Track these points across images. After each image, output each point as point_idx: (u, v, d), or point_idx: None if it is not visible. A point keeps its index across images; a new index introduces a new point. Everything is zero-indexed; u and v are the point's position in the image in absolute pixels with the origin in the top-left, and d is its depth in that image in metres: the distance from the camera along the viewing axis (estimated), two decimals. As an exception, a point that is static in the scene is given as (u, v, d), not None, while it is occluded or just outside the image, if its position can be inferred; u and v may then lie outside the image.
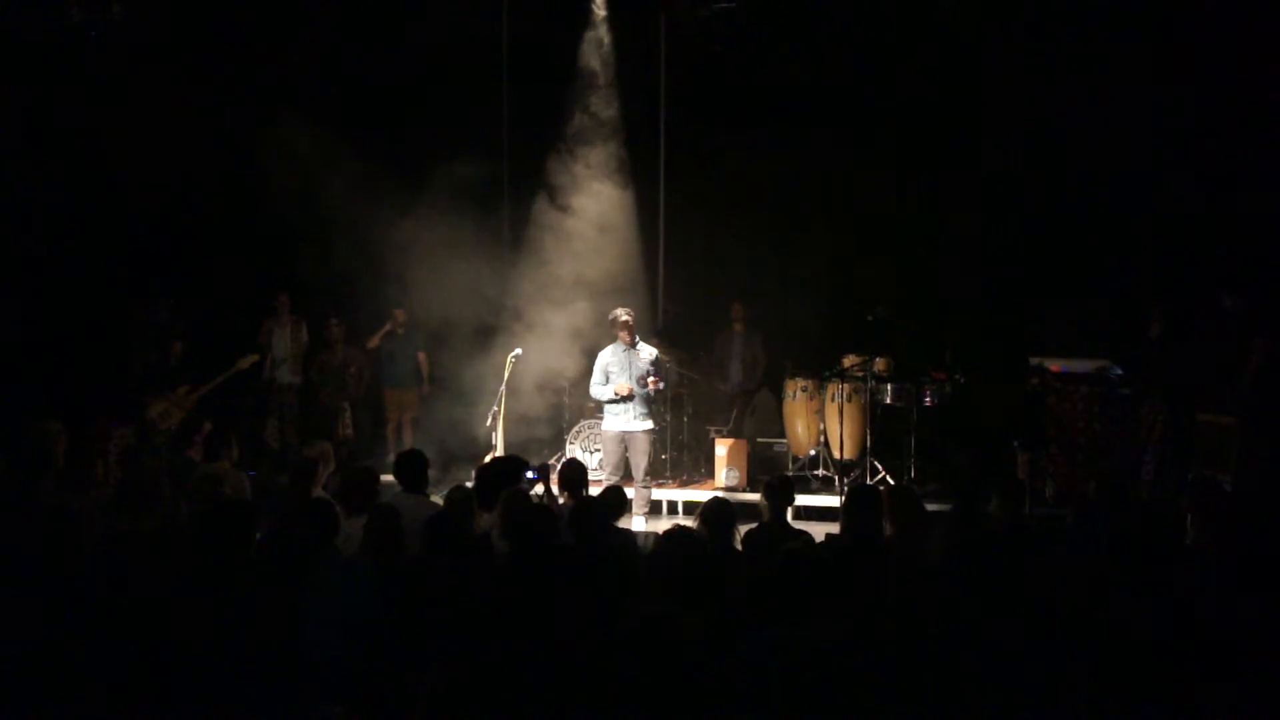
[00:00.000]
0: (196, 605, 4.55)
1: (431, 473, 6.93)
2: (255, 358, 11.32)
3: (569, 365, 10.60)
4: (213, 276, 11.91)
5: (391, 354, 12.04)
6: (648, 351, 9.41)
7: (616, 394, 9.27)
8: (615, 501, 6.70)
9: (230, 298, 11.94)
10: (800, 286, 11.64)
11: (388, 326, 11.95)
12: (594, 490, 7.33)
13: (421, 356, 12.08)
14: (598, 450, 10.10)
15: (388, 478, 7.05)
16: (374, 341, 11.99)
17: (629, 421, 9.30)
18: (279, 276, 11.94)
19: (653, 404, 9.44)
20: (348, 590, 4.89)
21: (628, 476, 9.40)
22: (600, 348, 9.59)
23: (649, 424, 9.37)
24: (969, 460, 9.95)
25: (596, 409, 9.87)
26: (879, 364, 10.46)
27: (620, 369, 9.32)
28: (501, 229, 11.87)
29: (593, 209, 10.82)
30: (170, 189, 11.57)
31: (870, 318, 10.26)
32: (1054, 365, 9.92)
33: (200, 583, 4.84)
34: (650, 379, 9.26)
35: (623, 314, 9.33)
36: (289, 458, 10.63)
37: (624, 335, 9.33)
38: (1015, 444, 9.82)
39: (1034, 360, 10.01)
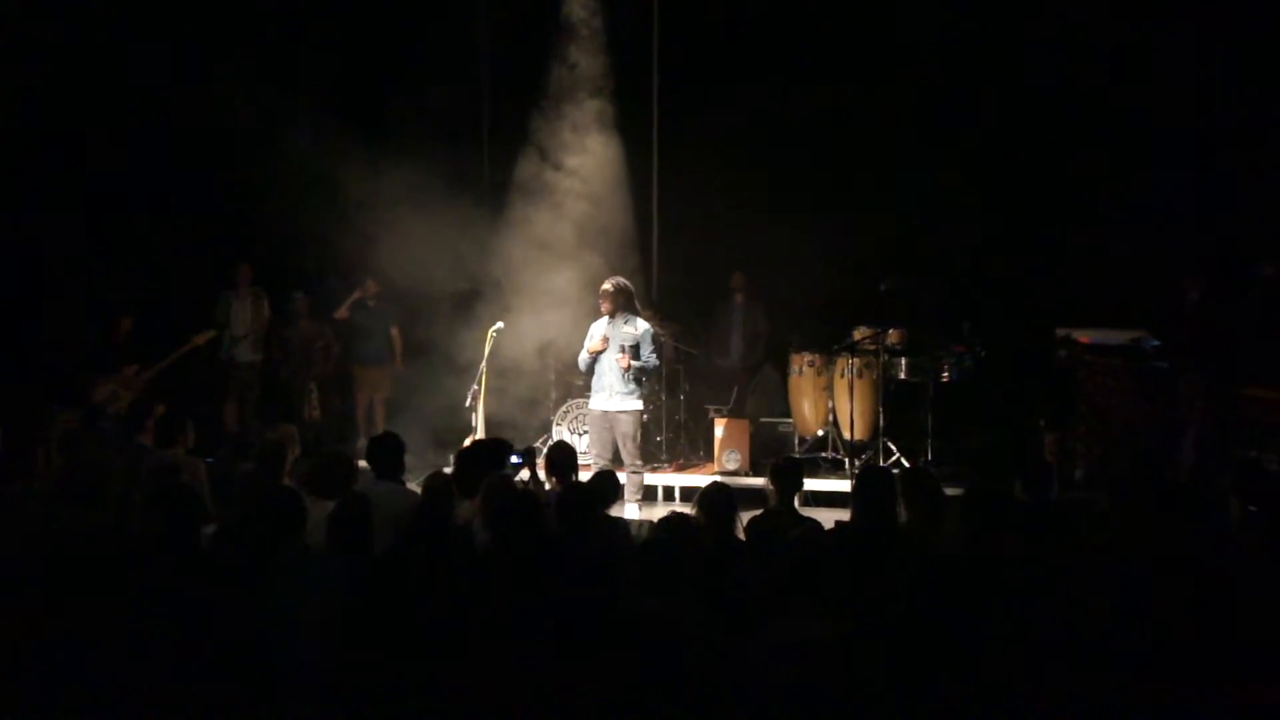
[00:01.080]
0: (150, 604, 4.54)
1: (408, 458, 6.93)
2: (212, 334, 11.30)
3: (555, 339, 10.60)
4: (164, 244, 11.86)
5: (362, 328, 12.03)
6: (635, 325, 9.40)
7: (589, 353, 9.30)
8: (606, 488, 6.70)
9: (184, 267, 11.90)
10: (806, 253, 11.58)
11: (356, 294, 11.93)
12: (584, 475, 7.33)
13: (395, 331, 12.07)
14: (587, 432, 10.11)
15: (360, 464, 7.04)
16: (342, 312, 11.97)
17: (609, 400, 9.33)
18: (238, 245, 11.90)
19: (640, 382, 9.42)
20: (315, 587, 4.89)
21: (620, 460, 9.42)
22: (591, 318, 9.59)
23: (633, 403, 9.36)
24: (990, 440, 9.95)
25: (586, 387, 9.88)
26: (892, 336, 10.46)
27: (604, 341, 9.34)
28: (482, 191, 11.84)
29: (580, 169, 10.78)
30: (116, 147, 11.51)
31: (882, 286, 10.25)
32: (1083, 336, 9.92)
33: (154, 580, 4.83)
34: (619, 357, 9.24)
35: (606, 284, 9.34)
36: (250, 442, 10.62)
37: (605, 305, 9.34)
38: (1041, 423, 9.84)
39: (1061, 331, 10.02)
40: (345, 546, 5.23)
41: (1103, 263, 10.63)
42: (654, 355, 9.47)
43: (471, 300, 10.79)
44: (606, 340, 9.29)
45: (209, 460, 8.46)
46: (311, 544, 5.38)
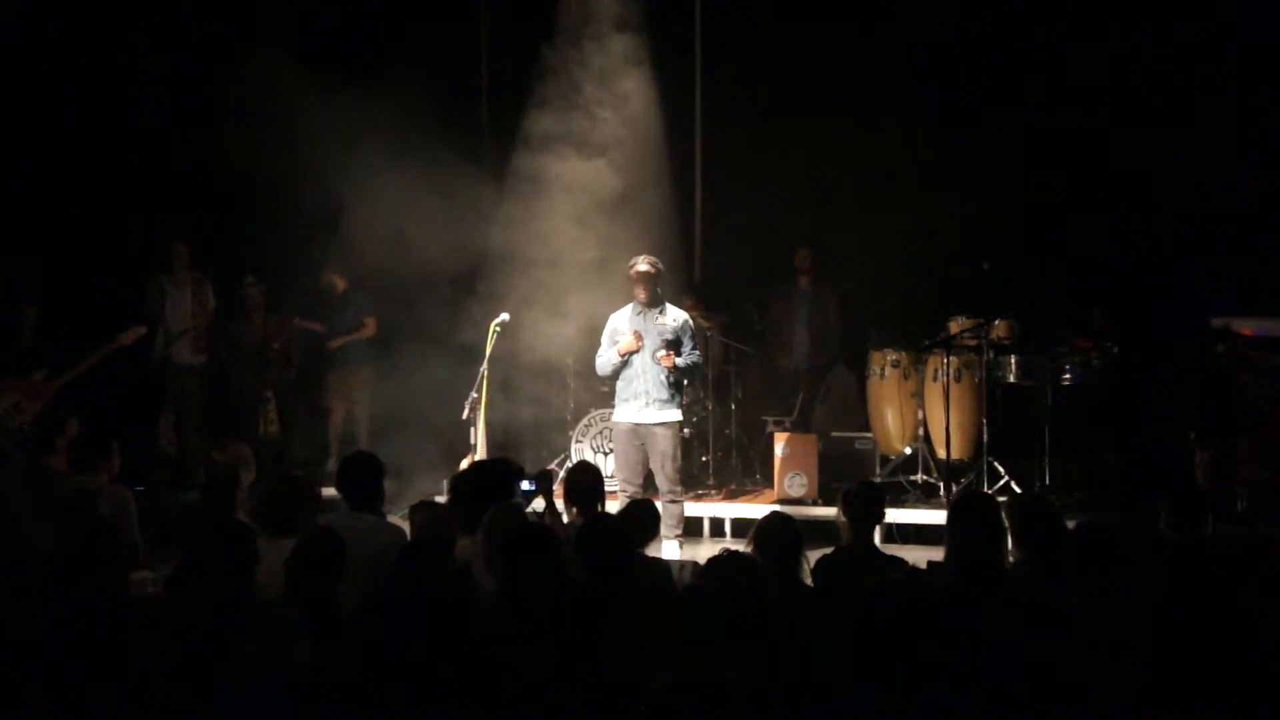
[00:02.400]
0: (63, 665, 4.55)
1: (388, 483, 6.94)
2: (142, 330, 11.30)
3: (573, 336, 10.60)
4: (83, 219, 11.92)
5: (333, 320, 12.08)
6: (675, 316, 9.38)
7: (621, 355, 9.29)
8: (641, 520, 6.68)
9: (107, 248, 11.96)
10: (888, 226, 11.58)
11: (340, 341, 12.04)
12: (611, 505, 7.33)
13: (370, 321, 12.13)
14: (612, 450, 10.09)
15: (329, 491, 7.06)
16: (337, 343, 12.07)
17: (642, 410, 9.30)
18: (175, 218, 11.95)
19: (679, 386, 9.41)
20: (269, 648, 4.89)
21: (654, 487, 9.41)
22: (613, 307, 9.60)
23: (673, 413, 9.35)
24: (1125, 460, 9.89)
25: (611, 394, 9.88)
26: (999, 329, 10.40)
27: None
28: (481, 152, 11.86)
29: (603, 122, 10.78)
30: (25, 100, 11.60)
31: (986, 265, 10.19)
32: (1246, 328, 9.84)
33: (69, 633, 4.84)
34: (663, 354, 9.23)
35: (641, 264, 9.31)
36: (192, 467, 10.67)
37: (640, 292, 9.32)
38: (1192, 436, 9.76)
39: (1217, 321, 9.93)
40: (307, 596, 5.22)
41: (1273, 234, 10.55)
42: (697, 352, 9.48)
43: (470, 285, 10.81)
44: (640, 336, 9.28)
45: (138, 489, 8.47)
46: (265, 594, 5.38)
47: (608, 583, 5.48)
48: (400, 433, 10.92)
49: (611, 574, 5.60)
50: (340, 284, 12.00)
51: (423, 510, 6.44)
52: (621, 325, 9.41)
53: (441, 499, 7.59)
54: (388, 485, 6.98)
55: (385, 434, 11.06)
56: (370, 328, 12.14)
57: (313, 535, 5.57)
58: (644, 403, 9.31)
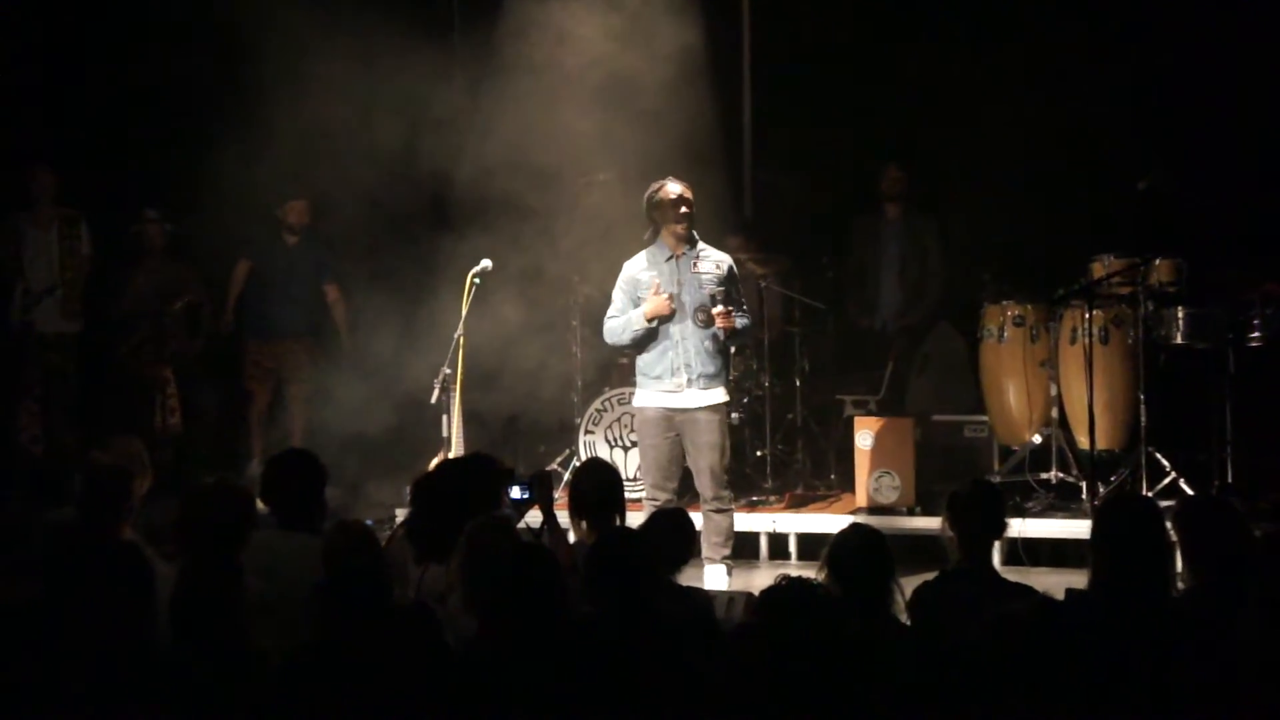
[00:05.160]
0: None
1: (332, 492, 6.97)
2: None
3: (581, 286, 10.69)
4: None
5: (270, 275, 12.16)
6: (717, 260, 9.39)
7: (648, 319, 9.26)
8: (671, 536, 6.72)
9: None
10: (1007, 133, 11.56)
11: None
12: (634, 518, 7.34)
13: (332, 290, 12.20)
14: (636, 444, 10.11)
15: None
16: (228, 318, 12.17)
17: (681, 392, 9.31)
18: (35, 138, 11.98)
19: (728, 356, 9.44)
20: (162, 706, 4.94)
21: (693, 493, 9.47)
22: (627, 254, 9.60)
23: (718, 394, 9.36)
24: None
25: (631, 369, 9.90)
26: (1159, 271, 10.37)
27: (666, 291, 9.31)
28: (451, 41, 11.89)
29: (621, 14, 10.79)
30: None
31: (1142, 185, 10.17)
32: None
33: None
34: (718, 310, 9.22)
35: (672, 189, 9.28)
36: (66, 470, 10.71)
37: (675, 229, 9.30)
38: None
39: None
40: (209, 644, 5.26)
41: None
42: (746, 310, 9.53)
43: (441, 219, 10.83)
44: (671, 296, 9.24)
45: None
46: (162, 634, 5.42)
47: (627, 623, 5.50)
48: (347, 424, 10.97)
49: (632, 611, 5.63)
50: (299, 212, 12.03)
51: (343, 535, 6.31)
52: (642, 275, 9.39)
53: (402, 513, 7.62)
54: (331, 495, 7.02)
55: (327, 426, 11.10)
56: (331, 294, 12.25)
57: (201, 561, 5.60)
58: (684, 379, 9.28)
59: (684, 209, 9.26)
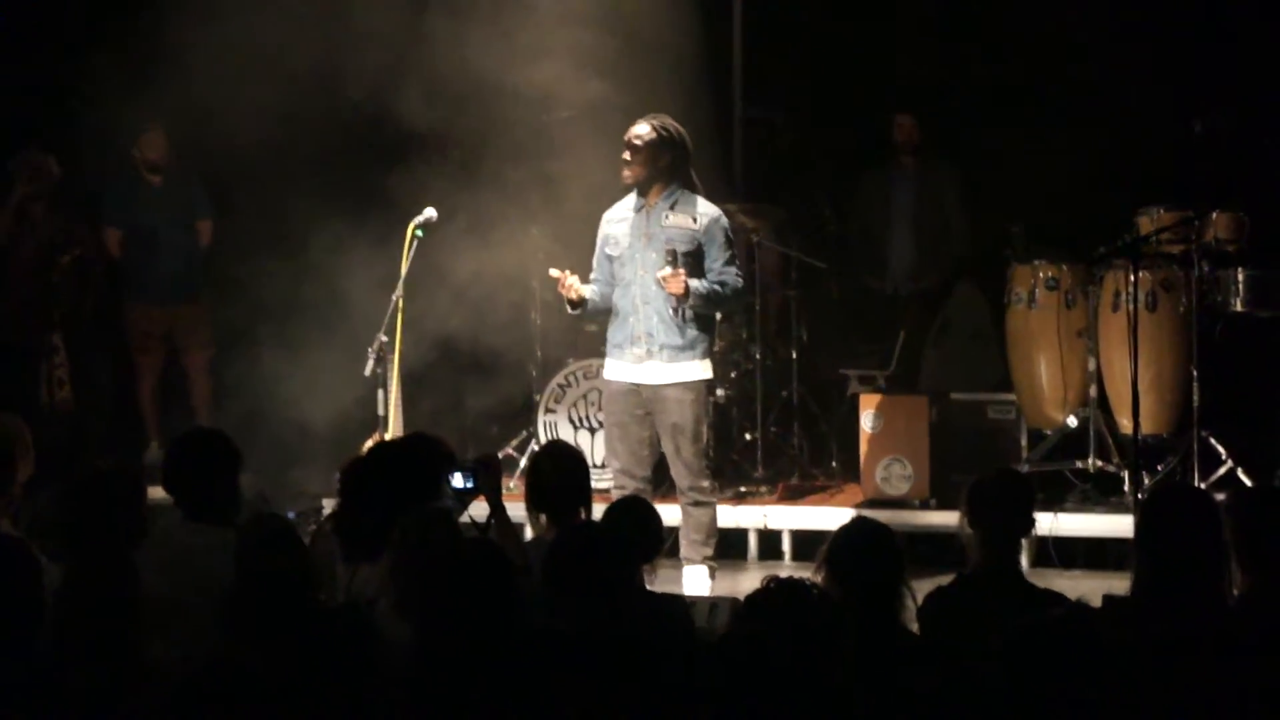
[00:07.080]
0: None
1: (247, 478, 6.98)
2: None
3: (542, 249, 10.75)
4: None
5: (144, 225, 12.15)
6: (700, 212, 9.39)
7: (568, 298, 9.32)
8: (642, 533, 6.73)
9: None
10: (1034, 69, 11.59)
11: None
12: (601, 510, 7.35)
13: (205, 228, 12.24)
14: (603, 425, 10.13)
15: (154, 491, 7.09)
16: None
17: (642, 363, 9.36)
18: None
19: (705, 324, 9.45)
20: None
21: (668, 478, 9.54)
22: (603, 207, 9.68)
23: (689, 366, 9.38)
24: None
25: (600, 341, 9.91)
26: (1216, 225, 10.41)
27: (631, 246, 9.38)
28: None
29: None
30: None
31: (1197, 128, 10.19)
32: None
33: None
34: (663, 273, 9.14)
35: (642, 126, 9.30)
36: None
37: (626, 171, 9.33)
38: None
39: None
40: (93, 649, 5.26)
41: None
42: (735, 268, 9.49)
43: (373, 157, 10.83)
44: (567, 272, 9.24)
45: None
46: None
47: (590, 632, 5.50)
48: (262, 400, 10.96)
49: (598, 620, 5.63)
50: (158, 156, 11.99)
51: (259, 529, 6.35)
52: (613, 229, 9.46)
53: (330, 504, 7.62)
54: (246, 482, 7.02)
55: (238, 402, 11.08)
56: (205, 234, 12.18)
57: (90, 559, 5.60)
58: (643, 350, 9.33)
59: (625, 152, 9.27)
